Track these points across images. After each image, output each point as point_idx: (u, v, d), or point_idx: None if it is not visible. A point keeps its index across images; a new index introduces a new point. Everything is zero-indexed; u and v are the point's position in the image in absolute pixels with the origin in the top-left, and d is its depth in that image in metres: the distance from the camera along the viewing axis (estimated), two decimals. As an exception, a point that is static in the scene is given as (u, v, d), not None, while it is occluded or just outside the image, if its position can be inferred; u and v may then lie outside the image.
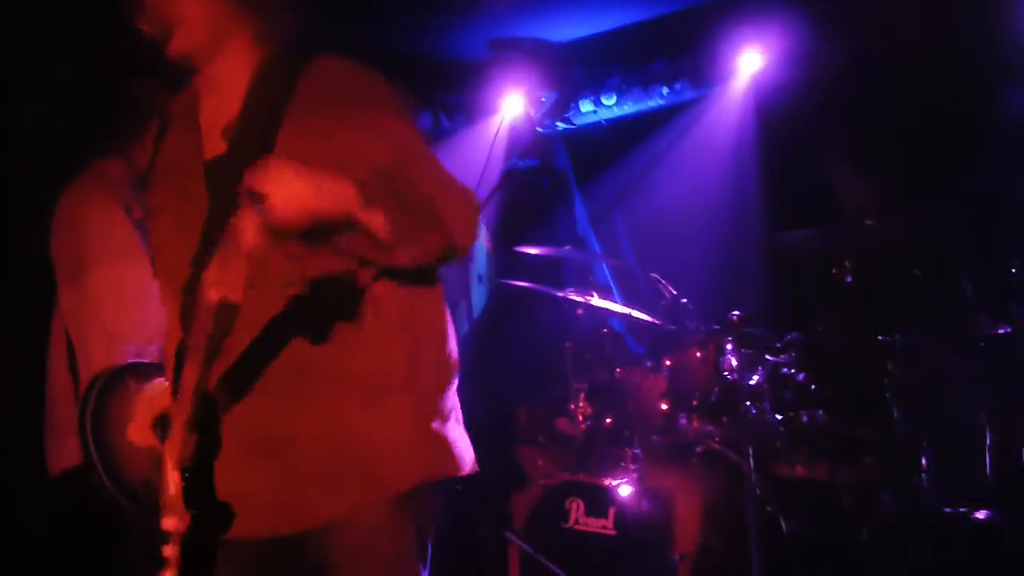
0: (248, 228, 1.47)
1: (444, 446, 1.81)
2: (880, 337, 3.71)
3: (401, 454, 1.76)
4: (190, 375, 1.59)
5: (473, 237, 1.77)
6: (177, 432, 1.63)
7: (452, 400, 1.88)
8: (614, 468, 3.99)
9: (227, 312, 1.53)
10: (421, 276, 1.80)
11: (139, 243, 2.51)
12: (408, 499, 1.75)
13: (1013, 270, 3.45)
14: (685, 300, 4.16)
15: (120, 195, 2.62)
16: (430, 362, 1.83)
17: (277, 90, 1.78)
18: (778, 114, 4.92)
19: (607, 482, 3.76)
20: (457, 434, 1.86)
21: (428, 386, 1.82)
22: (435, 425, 1.81)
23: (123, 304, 2.54)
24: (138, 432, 1.85)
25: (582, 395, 4.32)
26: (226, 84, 1.84)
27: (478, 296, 5.96)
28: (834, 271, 3.81)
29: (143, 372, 2.03)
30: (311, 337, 1.73)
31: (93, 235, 2.60)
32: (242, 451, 1.71)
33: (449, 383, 1.87)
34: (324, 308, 1.73)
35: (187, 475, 1.62)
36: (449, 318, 1.91)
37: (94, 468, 1.96)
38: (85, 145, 2.61)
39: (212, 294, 1.51)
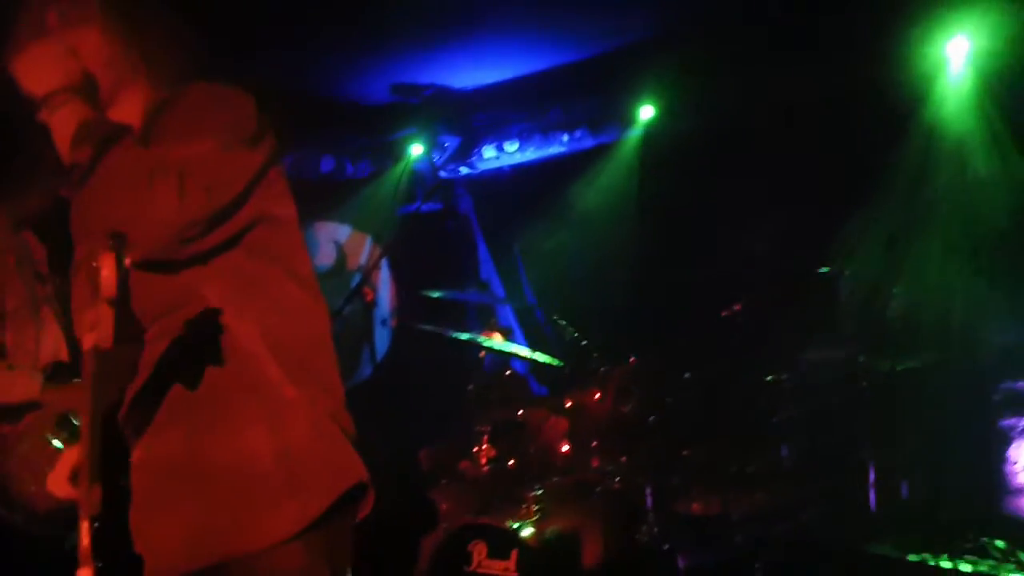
0: (106, 271, 1.46)
1: (346, 455, 1.81)
2: (768, 377, 3.87)
3: (313, 469, 1.75)
4: (83, 423, 1.56)
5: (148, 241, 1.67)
6: (82, 481, 1.60)
7: (346, 421, 1.87)
8: (516, 510, 4.02)
9: (103, 357, 1.51)
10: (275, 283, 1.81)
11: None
12: (324, 520, 1.74)
13: (888, 311, 3.65)
14: (585, 342, 4.25)
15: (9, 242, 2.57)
16: (314, 373, 1.83)
17: (161, 110, 1.82)
18: (673, 160, 5.10)
19: (509, 524, 3.78)
20: (355, 451, 1.85)
21: (318, 397, 1.81)
22: (334, 436, 1.81)
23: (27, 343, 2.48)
24: (56, 484, 1.83)
25: (485, 437, 4.34)
26: (130, 113, 1.85)
27: (381, 339, 5.95)
28: (724, 312, 3.96)
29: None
30: (201, 366, 1.73)
31: None
32: (152, 490, 1.70)
33: (336, 390, 1.87)
34: (205, 339, 1.73)
35: (96, 525, 1.57)
36: (326, 330, 1.91)
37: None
38: None
39: (86, 340, 1.50)
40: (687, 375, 3.92)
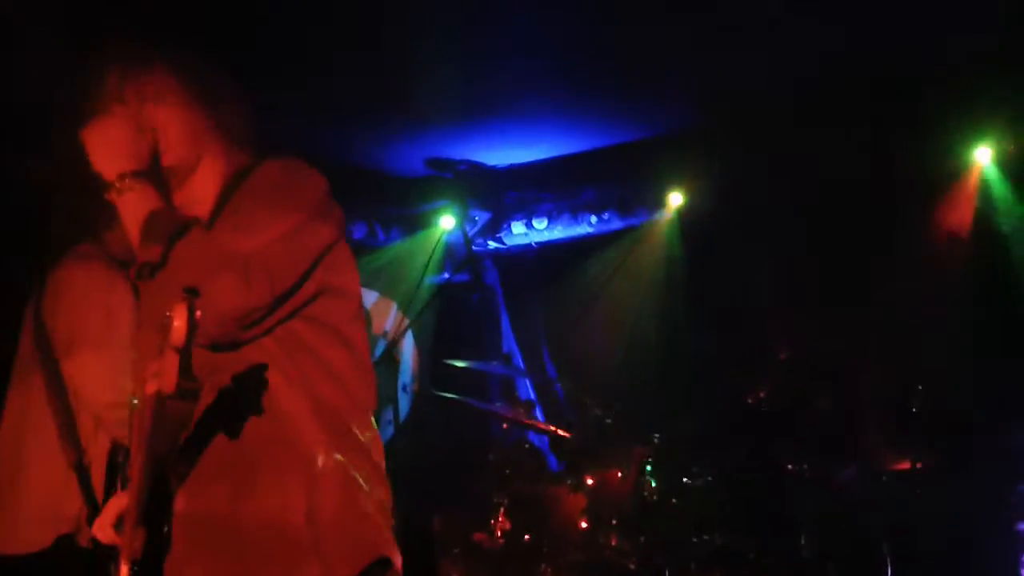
0: (178, 322, 1.51)
1: (374, 529, 1.83)
2: (790, 466, 3.89)
3: (342, 537, 1.78)
4: (135, 468, 1.61)
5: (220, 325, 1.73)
6: (127, 525, 1.62)
7: (383, 492, 1.89)
8: (531, 584, 4.03)
9: (162, 405, 1.56)
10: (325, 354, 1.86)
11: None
12: None
13: (913, 409, 3.68)
14: (609, 420, 4.30)
15: (118, 274, 2.66)
16: (356, 438, 1.86)
17: (233, 188, 1.90)
18: (703, 244, 5.20)
19: (524, 599, 3.79)
20: (387, 524, 1.88)
21: (357, 463, 1.84)
22: (372, 510, 1.84)
23: (106, 387, 2.55)
24: (100, 530, 1.89)
25: (502, 509, 4.36)
26: (201, 194, 1.94)
27: (402, 404, 6.00)
28: (749, 399, 4.01)
29: None
30: (245, 423, 1.77)
31: (93, 310, 2.61)
32: (189, 541, 1.74)
33: (377, 456, 1.90)
34: (251, 396, 1.78)
35: (135, 570, 1.61)
36: (371, 397, 1.94)
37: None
38: (60, 230, 2.65)
39: (149, 387, 1.56)
40: (708, 459, 3.95)
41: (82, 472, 2.58)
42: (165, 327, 1.53)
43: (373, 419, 1.95)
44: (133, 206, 1.75)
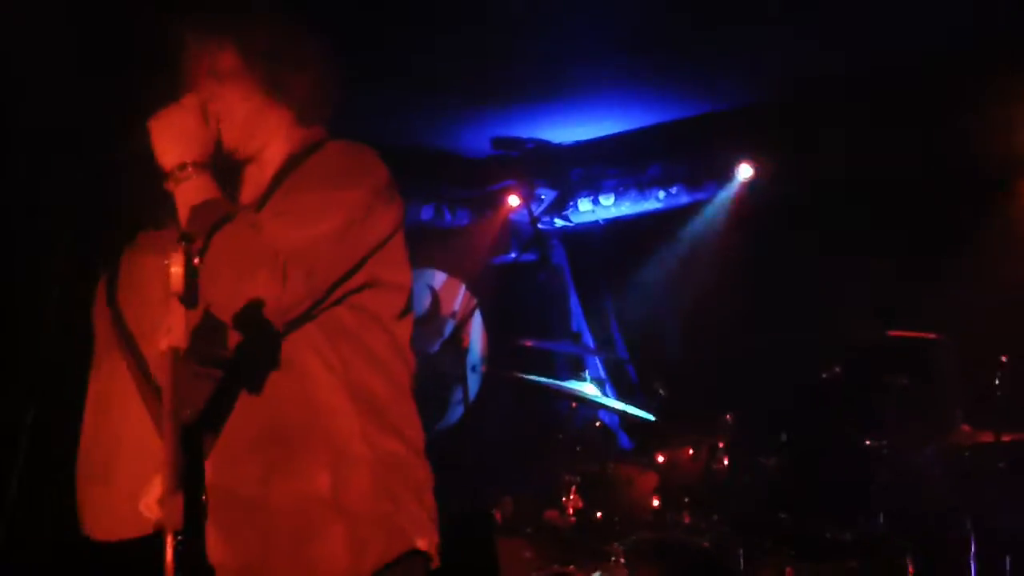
0: (175, 268, 1.48)
1: (406, 518, 1.82)
2: (868, 442, 3.81)
3: (373, 526, 1.78)
4: (165, 433, 1.58)
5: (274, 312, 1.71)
6: (164, 494, 1.60)
7: (420, 475, 1.89)
8: (603, 562, 4.02)
9: (178, 359, 1.54)
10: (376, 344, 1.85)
11: None
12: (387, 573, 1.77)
13: (996, 380, 3.57)
14: (679, 398, 4.26)
15: None
16: (393, 422, 1.85)
17: (292, 169, 1.89)
18: (772, 220, 5.11)
19: (596, 576, 3.79)
20: (421, 508, 1.87)
21: (392, 449, 1.83)
22: (406, 496, 1.83)
23: None
24: (148, 506, 1.93)
25: (573, 488, 4.36)
26: (262, 174, 1.95)
27: (471, 385, 6.03)
28: (824, 375, 3.93)
29: None
30: (277, 404, 1.78)
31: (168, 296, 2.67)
32: (218, 512, 1.72)
33: (414, 440, 1.89)
34: (284, 376, 1.78)
35: (179, 538, 1.57)
36: (408, 382, 1.92)
37: None
38: (131, 216, 2.71)
39: (163, 343, 1.58)
40: (784, 436, 3.89)
41: None
42: (165, 277, 1.50)
43: (413, 401, 1.93)
44: (188, 196, 1.76)
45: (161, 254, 2.74)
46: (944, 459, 3.81)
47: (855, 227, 4.68)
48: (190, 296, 1.49)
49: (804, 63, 4.51)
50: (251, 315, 1.68)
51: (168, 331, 1.54)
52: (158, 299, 2.70)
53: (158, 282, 2.71)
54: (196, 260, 1.50)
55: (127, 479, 2.71)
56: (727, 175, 5.40)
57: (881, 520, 3.73)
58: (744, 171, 5.32)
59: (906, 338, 3.98)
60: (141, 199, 2.66)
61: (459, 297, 6.06)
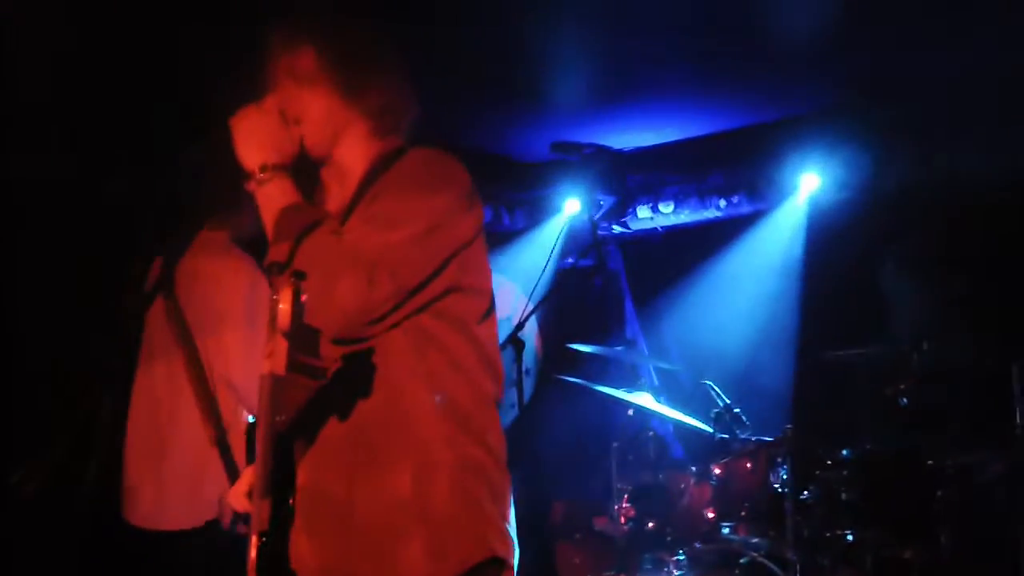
0: (283, 305, 1.53)
1: (485, 526, 1.83)
2: (930, 461, 3.73)
3: (454, 533, 1.79)
4: (259, 441, 1.64)
5: (344, 325, 1.74)
6: (255, 497, 1.67)
7: (500, 483, 1.89)
8: (655, 572, 3.99)
9: (276, 384, 1.59)
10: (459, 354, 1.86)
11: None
12: None
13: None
14: (737, 410, 4.21)
15: (245, 258, 2.77)
16: (476, 430, 1.86)
17: (376, 177, 1.90)
18: (836, 232, 5.03)
19: (651, 586, 3.76)
20: (501, 516, 1.88)
21: (474, 456, 1.85)
22: (488, 503, 1.84)
23: (245, 363, 2.65)
24: (236, 499, 1.98)
25: (626, 496, 4.34)
26: (342, 181, 1.97)
27: (525, 388, 6.02)
28: (888, 391, 3.85)
29: None
30: (366, 411, 1.80)
31: (230, 293, 2.72)
32: (306, 514, 1.78)
33: (496, 449, 1.90)
34: (373, 384, 1.81)
35: (264, 539, 1.64)
36: (494, 391, 1.93)
37: None
38: (192, 214, 2.76)
39: (264, 367, 1.60)
40: (844, 452, 3.81)
41: (224, 448, 2.69)
42: (273, 311, 1.57)
43: (497, 410, 1.94)
44: (271, 198, 1.79)
45: (225, 251, 2.80)
46: (1010, 478, 3.72)
47: (925, 241, 4.59)
48: (296, 329, 1.55)
49: (875, 70, 4.43)
50: (342, 320, 1.72)
51: (270, 355, 1.58)
52: (230, 297, 2.76)
53: (226, 277, 2.77)
54: (304, 297, 1.55)
55: (180, 472, 2.76)
56: (791, 185, 5.32)
57: (943, 540, 3.65)
58: (809, 181, 5.24)
59: (974, 354, 3.90)
60: (203, 198, 2.71)
61: (515, 301, 6.06)
